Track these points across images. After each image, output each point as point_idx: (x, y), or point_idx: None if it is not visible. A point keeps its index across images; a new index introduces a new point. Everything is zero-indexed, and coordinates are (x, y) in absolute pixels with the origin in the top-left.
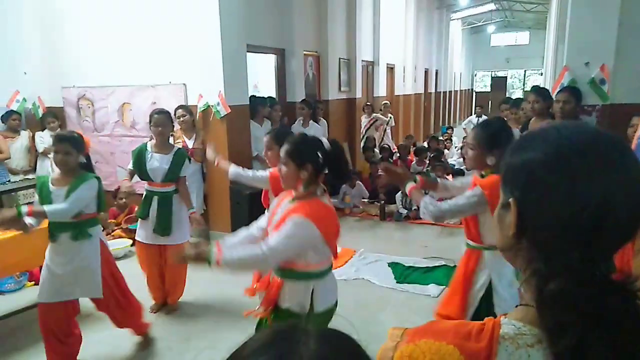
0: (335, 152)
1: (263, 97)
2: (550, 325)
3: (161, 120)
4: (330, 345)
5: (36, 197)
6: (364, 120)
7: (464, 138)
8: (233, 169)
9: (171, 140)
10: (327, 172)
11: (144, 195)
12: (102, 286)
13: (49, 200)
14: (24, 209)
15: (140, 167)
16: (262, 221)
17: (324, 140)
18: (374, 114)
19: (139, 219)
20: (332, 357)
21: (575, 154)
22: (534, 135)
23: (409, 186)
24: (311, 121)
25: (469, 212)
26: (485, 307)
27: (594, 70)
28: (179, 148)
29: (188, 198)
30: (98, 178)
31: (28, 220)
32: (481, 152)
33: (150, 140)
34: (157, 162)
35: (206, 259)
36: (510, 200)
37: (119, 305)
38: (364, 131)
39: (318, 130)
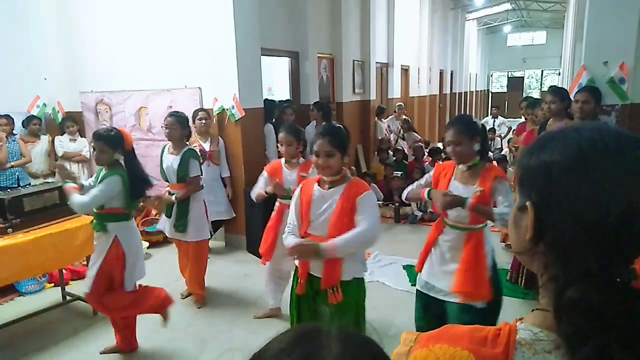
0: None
1: (275, 100)
2: (569, 333)
3: (169, 123)
4: (353, 347)
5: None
6: (392, 121)
7: (443, 138)
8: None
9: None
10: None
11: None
12: (93, 283)
13: (90, 188)
14: (68, 184)
15: (160, 167)
16: (290, 218)
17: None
18: (405, 117)
19: (165, 217)
20: (355, 358)
21: (597, 156)
22: (553, 136)
23: (468, 204)
24: (324, 123)
25: None
26: (495, 280)
27: (613, 69)
28: (188, 148)
29: (187, 194)
30: (122, 175)
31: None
32: (467, 144)
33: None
34: (169, 162)
35: (318, 251)
36: (528, 203)
37: (106, 309)
38: (399, 132)
39: None
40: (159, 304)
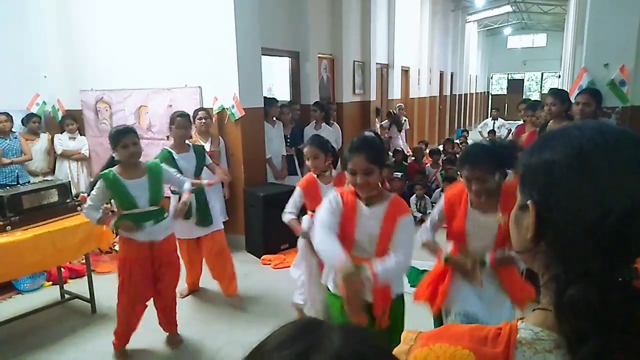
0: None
1: (273, 98)
2: (570, 332)
3: (184, 123)
4: (354, 339)
5: (103, 192)
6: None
7: (459, 172)
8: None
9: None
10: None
11: (179, 198)
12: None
13: (128, 193)
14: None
15: (175, 169)
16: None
17: (369, 133)
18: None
19: (182, 220)
20: (356, 351)
21: (599, 156)
22: (554, 135)
23: (489, 262)
24: (324, 123)
25: None
26: None
27: (614, 72)
28: (193, 144)
29: (219, 176)
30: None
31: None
32: (492, 178)
33: (170, 144)
34: (185, 162)
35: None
36: (529, 202)
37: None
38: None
39: (330, 132)
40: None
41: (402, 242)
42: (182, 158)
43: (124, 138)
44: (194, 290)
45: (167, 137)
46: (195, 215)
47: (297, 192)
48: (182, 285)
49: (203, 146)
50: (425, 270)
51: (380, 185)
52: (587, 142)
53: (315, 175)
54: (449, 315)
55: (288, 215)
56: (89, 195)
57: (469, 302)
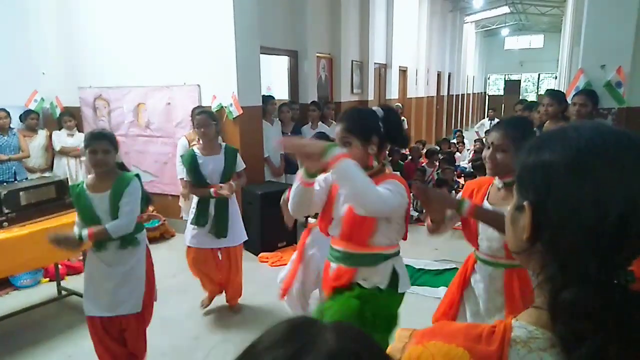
0: (391, 117)
1: (270, 95)
2: (565, 333)
3: (203, 120)
4: (349, 338)
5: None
6: None
7: (475, 141)
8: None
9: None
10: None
11: (197, 202)
12: (144, 303)
13: (90, 209)
14: (84, 232)
15: (195, 172)
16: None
17: (376, 108)
18: (402, 117)
19: (193, 226)
20: (350, 349)
21: (596, 157)
22: (552, 135)
23: (466, 208)
24: (320, 122)
25: None
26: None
27: (610, 73)
28: (227, 145)
29: (243, 185)
30: (138, 176)
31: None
32: (514, 153)
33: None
34: (212, 165)
35: (324, 151)
36: (525, 203)
37: (142, 320)
38: None
39: (328, 132)
40: None
41: (384, 187)
42: (210, 160)
43: (94, 143)
44: (215, 296)
45: (198, 139)
46: (211, 223)
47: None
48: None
49: (237, 150)
50: (421, 269)
51: (374, 165)
52: (585, 143)
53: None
54: None
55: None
56: None
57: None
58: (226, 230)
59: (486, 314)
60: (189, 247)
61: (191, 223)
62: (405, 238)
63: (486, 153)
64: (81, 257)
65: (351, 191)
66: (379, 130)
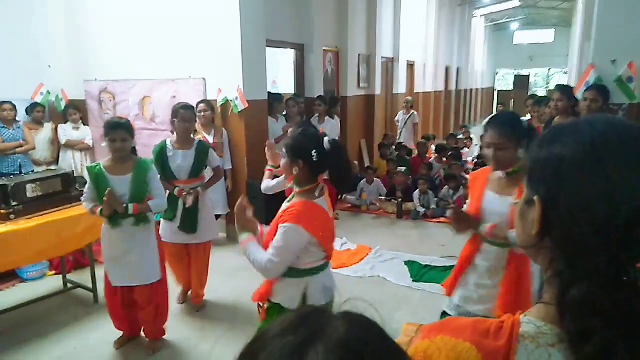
0: (335, 152)
1: (279, 94)
2: (573, 329)
3: (188, 116)
4: (359, 326)
5: (90, 185)
6: (400, 116)
7: (482, 137)
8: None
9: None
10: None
11: (167, 195)
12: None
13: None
14: (130, 206)
15: (163, 166)
16: None
17: (325, 140)
18: (413, 111)
19: (163, 220)
20: (359, 338)
21: (609, 152)
22: (564, 129)
23: (485, 230)
24: (327, 117)
25: None
26: None
27: (621, 68)
28: (200, 141)
29: (214, 183)
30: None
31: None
32: (512, 149)
33: (172, 135)
34: (180, 159)
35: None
36: (535, 197)
37: (159, 293)
38: (402, 127)
39: (334, 126)
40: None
41: (271, 247)
42: (180, 154)
43: (113, 132)
44: (188, 290)
45: (172, 131)
46: (180, 218)
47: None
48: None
49: (209, 146)
50: (427, 265)
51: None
52: (598, 137)
53: None
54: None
55: None
56: None
57: (463, 298)
58: (195, 226)
59: (480, 287)
60: (162, 240)
61: (161, 217)
62: (329, 257)
63: (487, 152)
64: (87, 252)
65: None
66: (308, 157)
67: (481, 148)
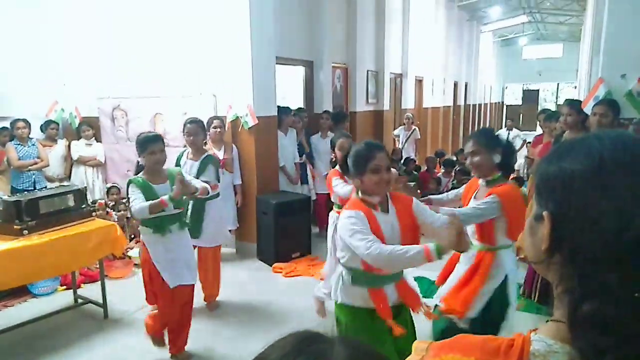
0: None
1: (287, 107)
2: (585, 347)
3: (194, 129)
4: (360, 352)
5: (138, 193)
6: (401, 132)
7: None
8: None
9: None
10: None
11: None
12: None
13: (156, 196)
14: (198, 188)
15: None
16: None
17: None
18: (414, 126)
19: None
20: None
21: (619, 167)
22: (574, 144)
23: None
24: (329, 132)
25: (487, 217)
26: (499, 298)
27: (631, 83)
28: (208, 154)
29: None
30: None
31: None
32: (487, 155)
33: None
34: (189, 169)
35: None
36: (545, 213)
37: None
38: (404, 143)
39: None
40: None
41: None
42: (189, 164)
43: (152, 145)
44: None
45: (184, 145)
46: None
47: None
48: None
49: (211, 161)
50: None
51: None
52: (608, 153)
53: (339, 169)
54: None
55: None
56: (105, 201)
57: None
58: (198, 231)
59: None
60: None
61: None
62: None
63: (467, 161)
64: (97, 266)
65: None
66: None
67: None
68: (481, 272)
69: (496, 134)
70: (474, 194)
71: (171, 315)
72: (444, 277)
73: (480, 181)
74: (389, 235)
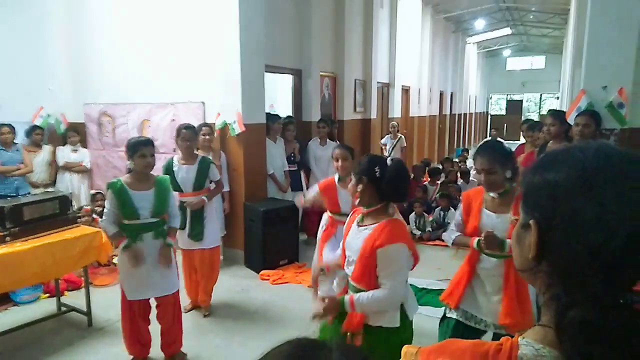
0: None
1: (276, 115)
2: (571, 353)
3: (189, 135)
4: (357, 357)
5: (112, 202)
6: (388, 140)
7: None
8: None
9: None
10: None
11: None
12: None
13: (132, 203)
14: (170, 241)
15: (171, 179)
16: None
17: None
18: (400, 135)
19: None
20: None
21: (602, 177)
22: (557, 155)
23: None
24: (328, 140)
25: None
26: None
27: (612, 94)
28: (203, 156)
29: (216, 194)
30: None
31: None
32: (500, 172)
33: (176, 154)
34: (185, 173)
35: (341, 306)
36: (531, 221)
37: (176, 305)
38: (390, 151)
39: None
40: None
41: (385, 275)
42: (184, 169)
43: (144, 148)
44: (198, 306)
45: (174, 149)
46: (188, 226)
47: (316, 189)
48: (184, 300)
49: (210, 161)
50: (424, 288)
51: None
52: (590, 163)
53: (337, 178)
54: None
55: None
56: (91, 208)
57: (472, 305)
58: (201, 234)
59: (483, 293)
60: (180, 249)
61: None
62: (415, 262)
63: (479, 177)
64: (82, 275)
65: (380, 309)
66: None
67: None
68: (523, 280)
69: (505, 146)
70: (482, 206)
71: (131, 331)
72: (458, 296)
73: (492, 194)
74: (350, 247)
